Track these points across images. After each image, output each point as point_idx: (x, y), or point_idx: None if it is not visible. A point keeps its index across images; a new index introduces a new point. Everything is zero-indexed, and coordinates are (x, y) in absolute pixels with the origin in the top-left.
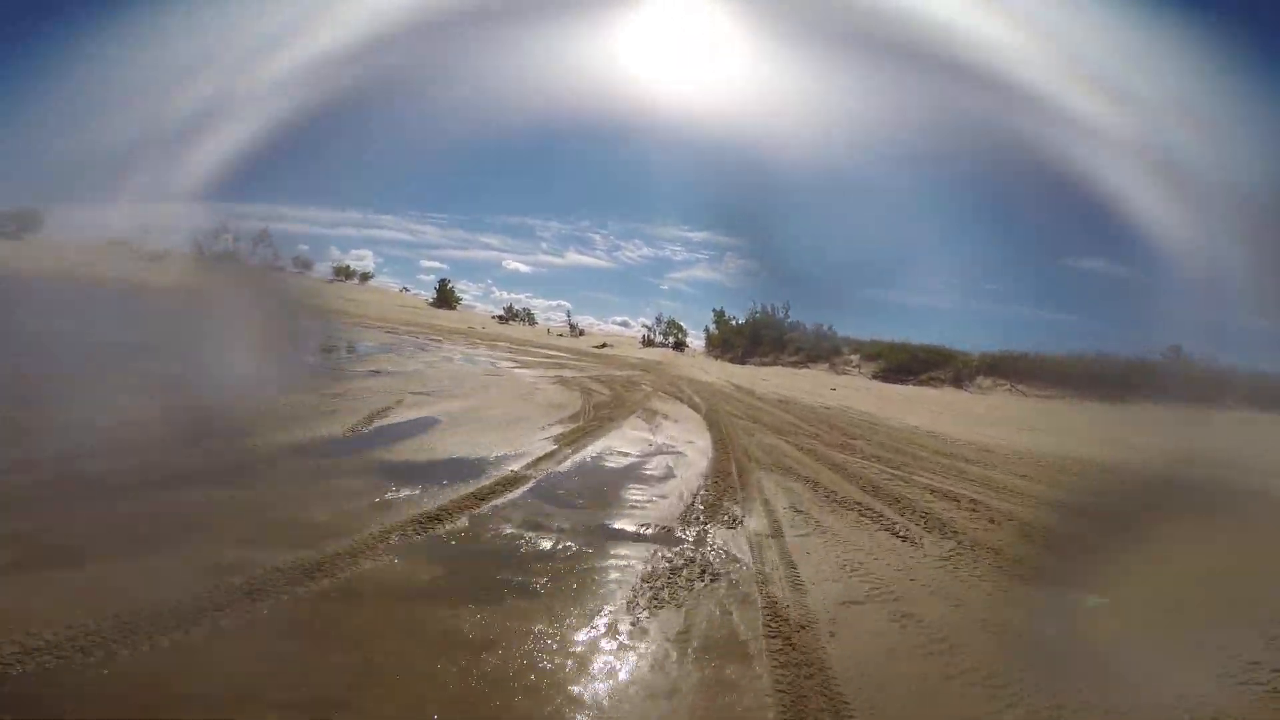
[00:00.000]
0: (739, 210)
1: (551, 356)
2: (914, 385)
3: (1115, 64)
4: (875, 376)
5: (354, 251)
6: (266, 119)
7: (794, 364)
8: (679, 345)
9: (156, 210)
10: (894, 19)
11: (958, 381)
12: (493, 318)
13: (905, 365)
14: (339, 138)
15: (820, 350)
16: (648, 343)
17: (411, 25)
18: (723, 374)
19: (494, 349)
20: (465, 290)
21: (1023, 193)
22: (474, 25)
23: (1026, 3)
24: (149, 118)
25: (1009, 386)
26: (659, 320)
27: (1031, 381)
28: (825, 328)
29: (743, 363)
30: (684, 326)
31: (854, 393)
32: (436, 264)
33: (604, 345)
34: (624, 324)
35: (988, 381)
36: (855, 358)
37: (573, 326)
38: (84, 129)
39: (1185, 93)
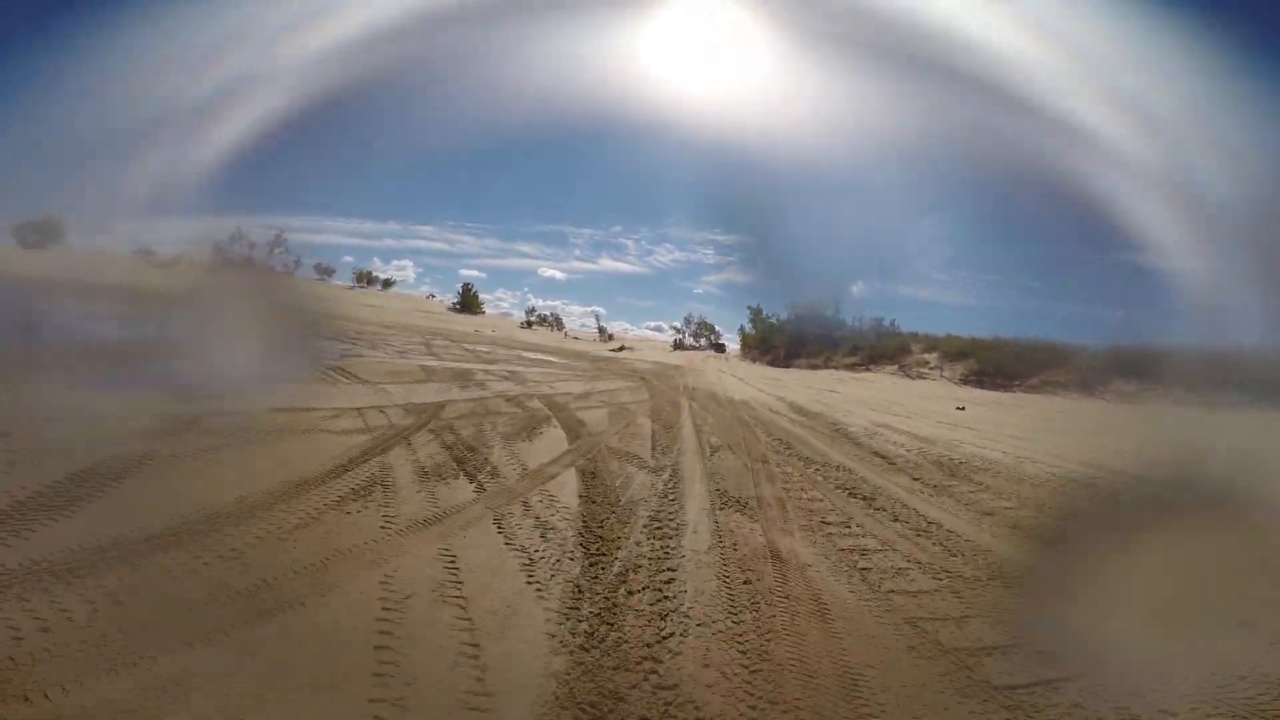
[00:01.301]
0: (751, 211)
1: (509, 363)
2: (1023, 391)
3: (1145, 88)
4: (965, 380)
5: (395, 262)
6: (288, 105)
7: (851, 366)
8: (719, 347)
9: (180, 221)
10: (928, 36)
11: (1085, 386)
12: (521, 324)
13: (1005, 366)
14: (364, 133)
15: (884, 349)
16: (678, 346)
17: (434, 16)
18: (765, 383)
19: (449, 350)
20: (503, 298)
21: (1049, 211)
22: (499, 20)
23: (1064, 26)
24: (165, 104)
25: (1163, 392)
26: (688, 321)
27: (1187, 383)
28: (887, 322)
29: (786, 365)
30: (716, 328)
31: (994, 414)
32: (475, 273)
33: (621, 348)
34: (657, 328)
35: (1127, 385)
36: (931, 357)
37: (602, 330)
38: (95, 115)
39: (1211, 119)
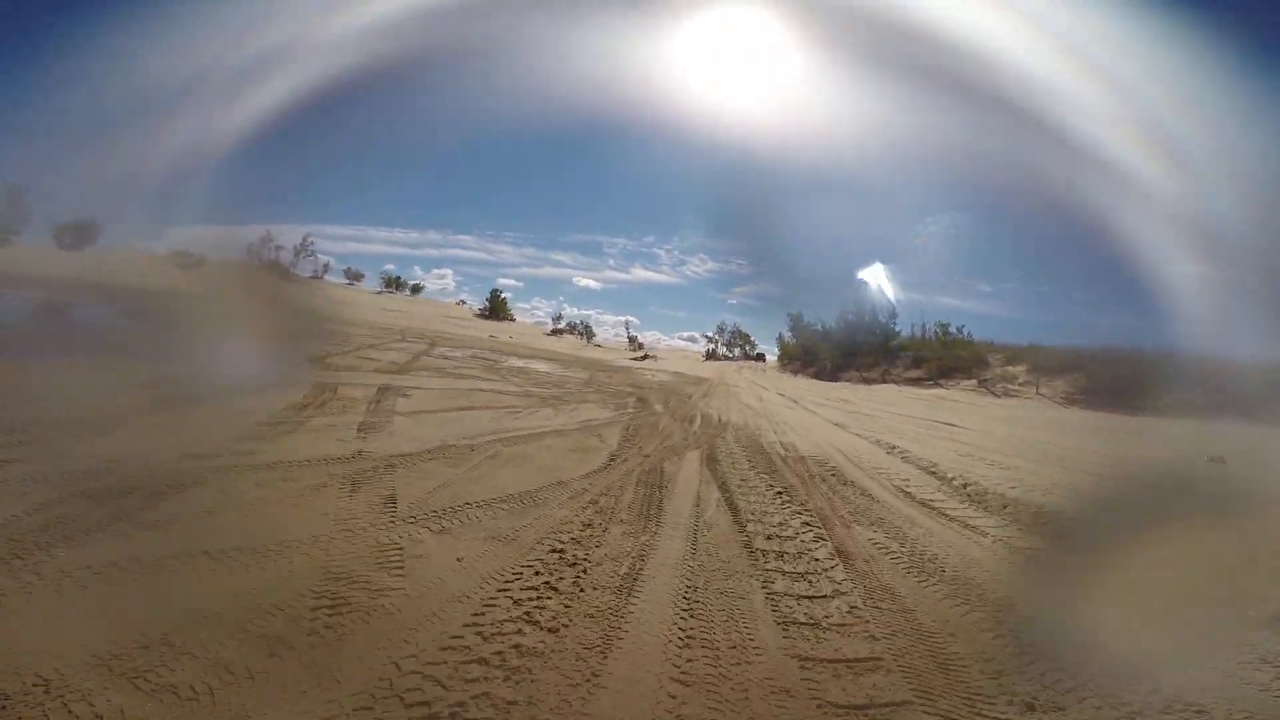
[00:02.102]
0: (765, 218)
1: (449, 374)
2: (1151, 415)
3: (1173, 117)
4: (1071, 400)
5: (435, 270)
6: (323, 81)
7: (914, 381)
8: (759, 357)
9: (215, 226)
10: (963, 59)
11: (1245, 410)
12: (547, 332)
13: (1120, 383)
14: (400, 122)
15: (956, 361)
16: (711, 356)
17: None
18: (829, 407)
19: (388, 355)
20: (539, 307)
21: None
22: (537, 13)
23: (1106, 58)
24: (198, 73)
25: None
26: (721, 330)
27: None
28: (956, 329)
29: (834, 379)
30: (752, 338)
31: None
32: (512, 282)
33: (644, 357)
34: (690, 339)
35: None
36: (1018, 371)
37: (632, 339)
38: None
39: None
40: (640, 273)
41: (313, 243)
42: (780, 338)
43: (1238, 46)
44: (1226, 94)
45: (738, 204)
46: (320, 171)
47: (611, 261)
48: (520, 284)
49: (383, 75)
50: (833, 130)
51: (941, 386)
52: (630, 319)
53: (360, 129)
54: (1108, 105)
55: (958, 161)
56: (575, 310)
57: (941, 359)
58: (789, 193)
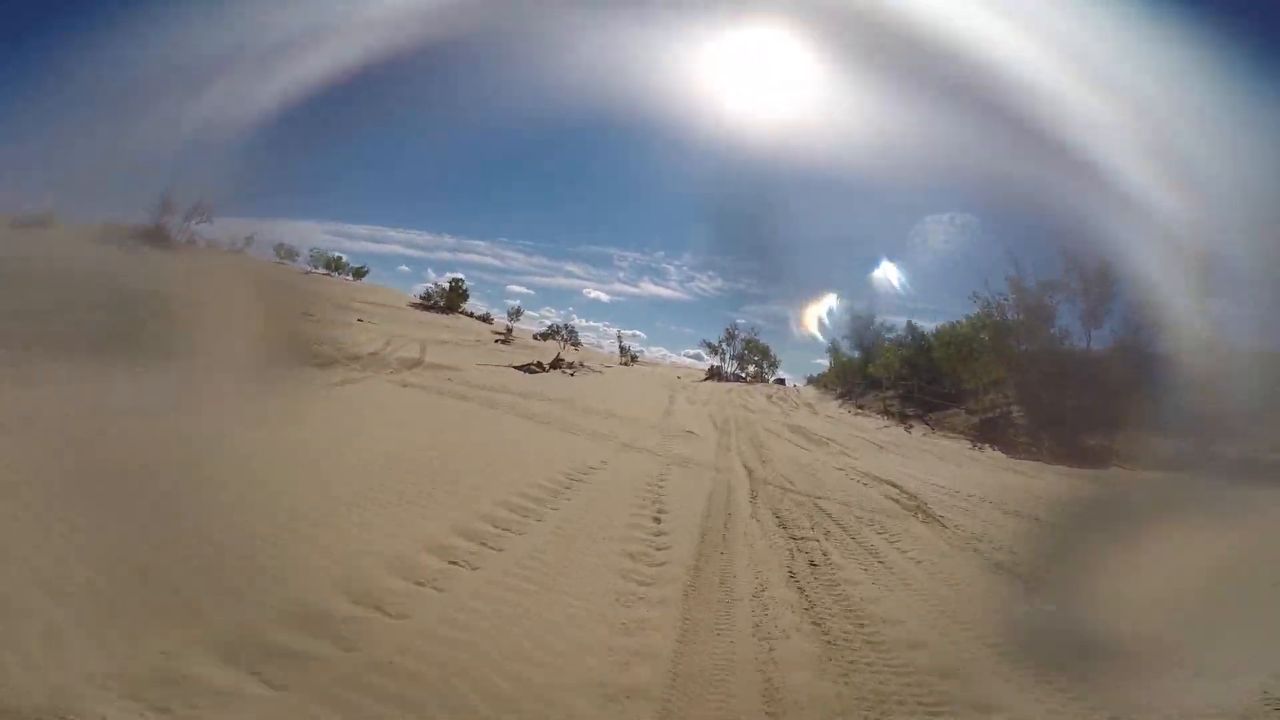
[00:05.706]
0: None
1: None
2: None
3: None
4: None
5: (448, 274)
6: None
7: None
8: (780, 382)
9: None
10: (992, 78)
11: None
12: (496, 337)
13: None
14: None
15: None
16: (714, 374)
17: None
18: None
19: None
20: (548, 316)
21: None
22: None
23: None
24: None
25: None
26: (731, 338)
27: None
28: None
29: (1032, 455)
30: (770, 351)
31: None
32: (522, 289)
33: (555, 362)
34: (696, 356)
35: None
36: None
37: (624, 350)
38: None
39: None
40: (649, 287)
41: (210, 211)
42: (833, 349)
43: (1248, 55)
44: (1239, 108)
45: (743, 214)
46: (338, 164)
47: (621, 274)
48: (531, 292)
49: (404, 67)
50: (845, 140)
51: None
52: (625, 331)
53: (380, 122)
54: (1120, 123)
55: (970, 173)
56: (585, 321)
57: None
58: (797, 197)
